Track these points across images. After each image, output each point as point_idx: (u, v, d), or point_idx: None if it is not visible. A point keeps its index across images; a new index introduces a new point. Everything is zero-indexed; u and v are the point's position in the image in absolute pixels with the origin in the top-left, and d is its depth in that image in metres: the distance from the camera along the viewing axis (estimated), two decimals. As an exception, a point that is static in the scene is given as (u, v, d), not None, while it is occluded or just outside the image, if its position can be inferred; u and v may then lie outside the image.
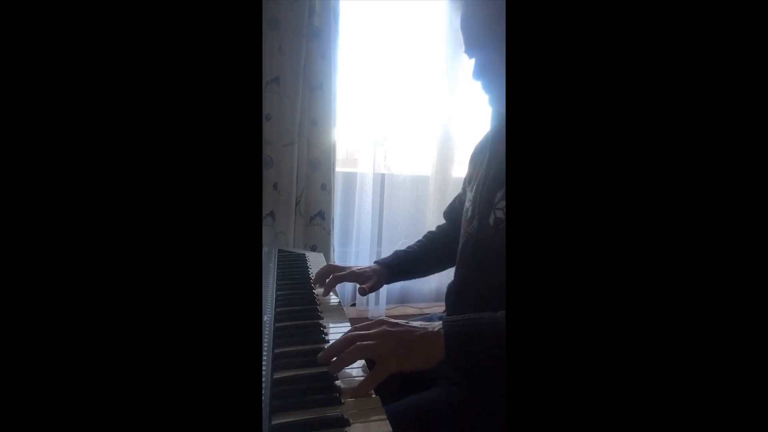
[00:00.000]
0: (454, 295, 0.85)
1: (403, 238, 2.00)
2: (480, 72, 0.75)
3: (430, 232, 1.10)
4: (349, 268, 0.97)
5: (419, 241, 1.08)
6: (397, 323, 0.61)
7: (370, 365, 0.59)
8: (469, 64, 0.78)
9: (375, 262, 1.01)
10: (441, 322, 0.61)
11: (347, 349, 0.57)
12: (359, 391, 0.55)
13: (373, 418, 0.51)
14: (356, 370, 0.61)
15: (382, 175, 1.98)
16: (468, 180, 0.92)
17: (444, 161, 1.98)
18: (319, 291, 0.93)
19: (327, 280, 0.93)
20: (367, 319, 1.97)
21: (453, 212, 1.06)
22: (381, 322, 0.61)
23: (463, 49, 0.77)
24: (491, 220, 0.75)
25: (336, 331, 0.74)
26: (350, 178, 1.95)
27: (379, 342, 0.58)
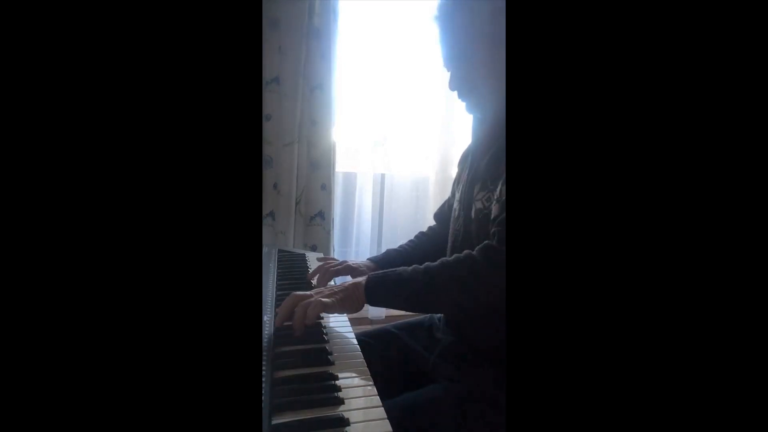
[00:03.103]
0: None
1: (403, 238, 1.98)
2: (455, 83, 0.83)
3: (421, 233, 1.14)
4: (344, 262, 1.01)
5: (410, 241, 1.12)
6: (333, 286, 0.76)
7: (374, 374, 0.62)
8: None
9: (368, 259, 1.05)
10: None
11: (292, 309, 0.69)
12: (297, 322, 0.67)
13: (372, 417, 0.52)
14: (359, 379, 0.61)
15: (382, 175, 1.98)
16: (456, 182, 0.96)
17: (444, 162, 1.98)
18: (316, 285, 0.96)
19: (319, 275, 0.97)
20: (366, 318, 1.96)
21: (442, 215, 1.10)
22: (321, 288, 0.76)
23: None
24: (472, 213, 0.79)
25: (336, 331, 0.75)
26: (350, 178, 1.95)
27: (316, 295, 0.72)
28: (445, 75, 0.86)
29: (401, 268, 0.74)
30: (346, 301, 0.72)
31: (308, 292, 0.73)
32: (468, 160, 0.90)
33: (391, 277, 0.73)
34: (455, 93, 0.85)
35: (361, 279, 0.74)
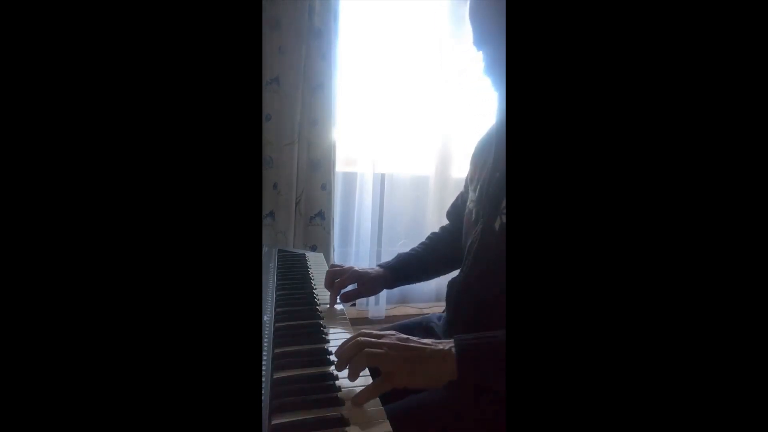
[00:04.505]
0: (455, 294, 0.83)
1: (403, 238, 1.99)
2: (489, 67, 0.70)
3: (433, 233, 1.06)
4: (350, 268, 0.92)
5: (423, 243, 1.03)
6: (408, 338, 0.59)
7: (374, 373, 0.59)
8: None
9: (378, 266, 0.97)
10: (452, 340, 0.59)
11: (355, 355, 0.56)
12: (359, 399, 0.54)
13: (373, 418, 0.51)
14: (360, 378, 0.58)
15: (382, 175, 1.98)
16: (470, 179, 0.89)
17: (444, 161, 1.98)
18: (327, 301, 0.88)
19: (331, 293, 0.88)
20: (367, 319, 1.96)
21: (456, 212, 1.02)
22: (391, 335, 0.60)
23: (468, 43, 0.72)
24: (497, 225, 0.72)
25: (336, 331, 0.75)
26: (350, 178, 1.95)
27: (388, 352, 0.56)
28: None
29: (500, 332, 0.58)
30: (428, 374, 0.56)
31: (378, 341, 0.58)
32: (489, 156, 0.80)
33: (487, 347, 0.57)
34: (479, 84, 0.72)
35: (446, 346, 0.58)
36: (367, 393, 0.54)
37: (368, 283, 0.92)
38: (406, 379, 0.55)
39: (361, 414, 0.52)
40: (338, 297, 0.87)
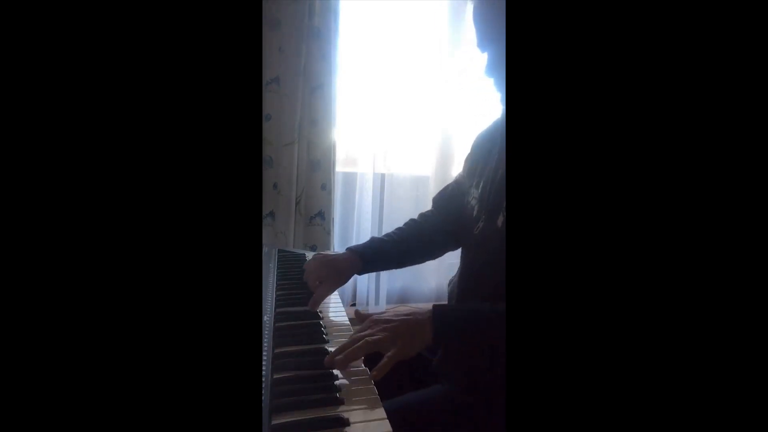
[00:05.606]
0: (458, 291, 0.83)
1: (403, 237, 1.99)
2: (493, 68, 0.71)
3: (412, 220, 1.01)
4: (313, 261, 0.88)
5: (399, 229, 0.99)
6: (388, 319, 0.65)
7: (370, 366, 0.60)
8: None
9: (348, 249, 0.91)
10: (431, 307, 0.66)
11: (354, 344, 0.61)
12: (378, 373, 0.58)
13: (372, 417, 0.51)
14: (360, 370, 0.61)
15: (382, 175, 1.97)
16: (470, 173, 0.88)
17: (444, 161, 1.98)
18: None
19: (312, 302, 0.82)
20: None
21: (444, 200, 0.98)
22: (374, 321, 0.65)
23: (468, 44, 0.74)
24: (500, 223, 0.72)
25: (337, 331, 0.75)
26: (350, 178, 1.95)
27: (384, 336, 0.62)
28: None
29: (472, 306, 0.67)
30: (409, 346, 0.62)
31: (372, 330, 0.63)
32: (494, 153, 0.79)
33: (463, 316, 0.66)
34: (479, 84, 0.73)
35: (422, 315, 0.65)
36: (384, 366, 0.59)
37: (333, 273, 0.86)
38: (403, 352, 0.61)
39: (361, 414, 0.52)
40: (317, 303, 0.81)
